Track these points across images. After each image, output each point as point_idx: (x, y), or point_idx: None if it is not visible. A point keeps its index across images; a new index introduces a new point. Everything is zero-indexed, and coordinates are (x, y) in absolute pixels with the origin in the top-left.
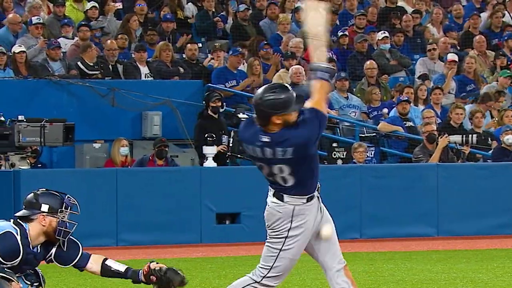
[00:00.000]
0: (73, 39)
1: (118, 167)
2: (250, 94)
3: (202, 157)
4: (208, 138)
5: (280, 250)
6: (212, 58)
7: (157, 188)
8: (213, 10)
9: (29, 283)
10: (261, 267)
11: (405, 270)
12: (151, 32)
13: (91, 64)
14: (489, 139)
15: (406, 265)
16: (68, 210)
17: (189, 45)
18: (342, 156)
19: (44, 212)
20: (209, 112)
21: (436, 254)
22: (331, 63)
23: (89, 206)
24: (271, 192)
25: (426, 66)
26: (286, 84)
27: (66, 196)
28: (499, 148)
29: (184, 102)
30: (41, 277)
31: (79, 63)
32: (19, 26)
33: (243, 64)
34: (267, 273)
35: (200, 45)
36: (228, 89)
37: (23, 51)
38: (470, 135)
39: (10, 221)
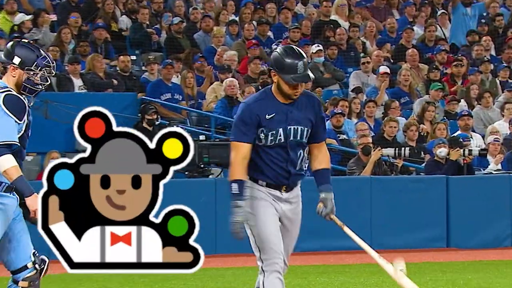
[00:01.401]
0: None
1: None
2: (182, 107)
3: None
4: None
5: (249, 225)
6: (148, 72)
7: None
8: (147, 23)
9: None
10: (256, 255)
11: (338, 283)
12: (84, 43)
13: None
14: (422, 152)
15: (340, 279)
16: (38, 70)
17: (121, 57)
18: None
19: (14, 64)
20: (144, 124)
21: (369, 267)
22: None
23: None
24: None
25: (360, 79)
26: (301, 51)
27: (42, 56)
28: (432, 161)
29: (118, 115)
30: (47, 263)
31: None
32: None
33: (177, 76)
34: (260, 255)
35: (134, 57)
36: (163, 101)
37: None
38: (403, 148)
39: None
